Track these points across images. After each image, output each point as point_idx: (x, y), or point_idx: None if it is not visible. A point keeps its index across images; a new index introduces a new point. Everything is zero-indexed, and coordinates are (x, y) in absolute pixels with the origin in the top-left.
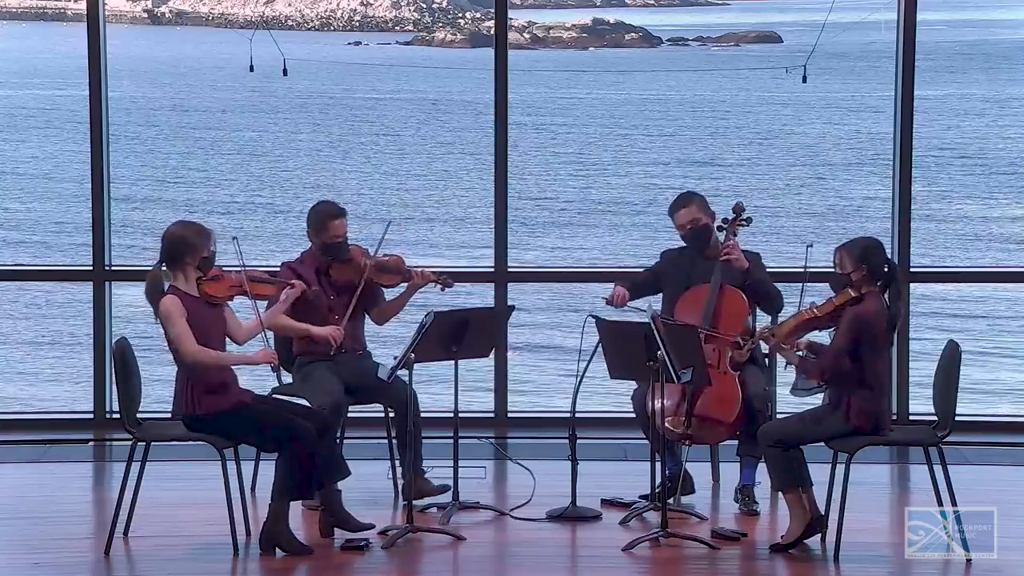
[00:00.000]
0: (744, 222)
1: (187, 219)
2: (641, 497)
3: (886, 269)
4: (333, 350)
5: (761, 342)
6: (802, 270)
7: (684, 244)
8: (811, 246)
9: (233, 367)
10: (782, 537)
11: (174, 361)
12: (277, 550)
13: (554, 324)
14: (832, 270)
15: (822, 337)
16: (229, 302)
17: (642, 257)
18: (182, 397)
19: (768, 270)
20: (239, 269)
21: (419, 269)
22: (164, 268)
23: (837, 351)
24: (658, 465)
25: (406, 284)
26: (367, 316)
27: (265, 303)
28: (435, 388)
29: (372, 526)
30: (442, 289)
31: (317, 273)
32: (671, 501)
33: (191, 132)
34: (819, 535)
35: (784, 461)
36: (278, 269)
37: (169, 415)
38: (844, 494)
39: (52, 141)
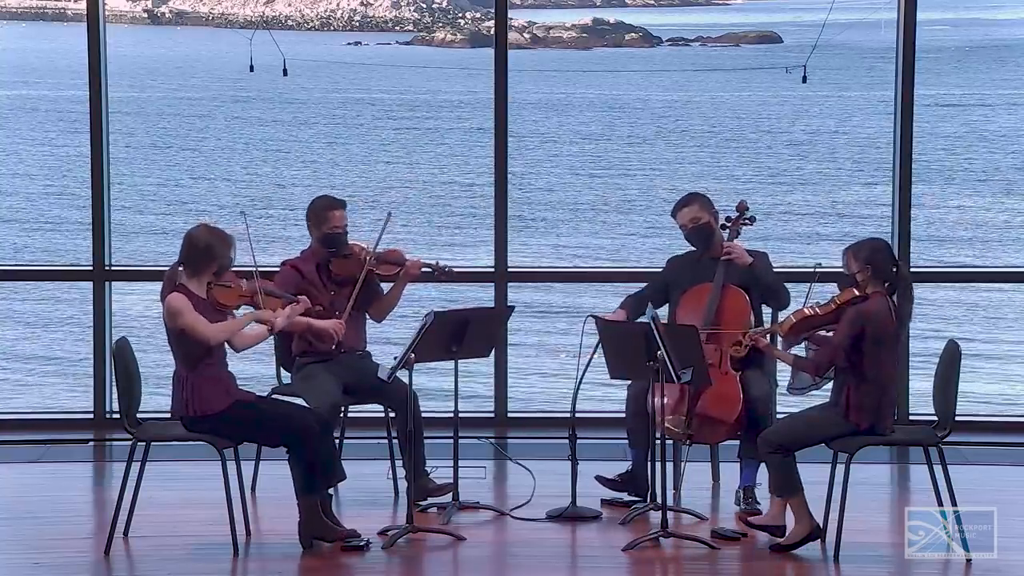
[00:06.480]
0: (747, 221)
1: (212, 224)
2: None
3: (893, 270)
4: (335, 344)
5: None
6: (812, 270)
7: (689, 247)
8: (820, 264)
9: (242, 345)
10: (782, 538)
11: (177, 360)
12: (320, 543)
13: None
14: (841, 271)
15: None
16: (235, 310)
17: (644, 259)
18: (180, 400)
19: (774, 270)
20: (252, 278)
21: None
22: (181, 268)
23: (834, 346)
24: (658, 465)
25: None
26: (368, 315)
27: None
28: (436, 388)
29: (356, 532)
30: (441, 279)
31: (318, 268)
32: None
33: (190, 132)
34: (818, 539)
35: (785, 468)
36: (279, 268)
37: (169, 415)
38: (844, 494)
39: (52, 140)
